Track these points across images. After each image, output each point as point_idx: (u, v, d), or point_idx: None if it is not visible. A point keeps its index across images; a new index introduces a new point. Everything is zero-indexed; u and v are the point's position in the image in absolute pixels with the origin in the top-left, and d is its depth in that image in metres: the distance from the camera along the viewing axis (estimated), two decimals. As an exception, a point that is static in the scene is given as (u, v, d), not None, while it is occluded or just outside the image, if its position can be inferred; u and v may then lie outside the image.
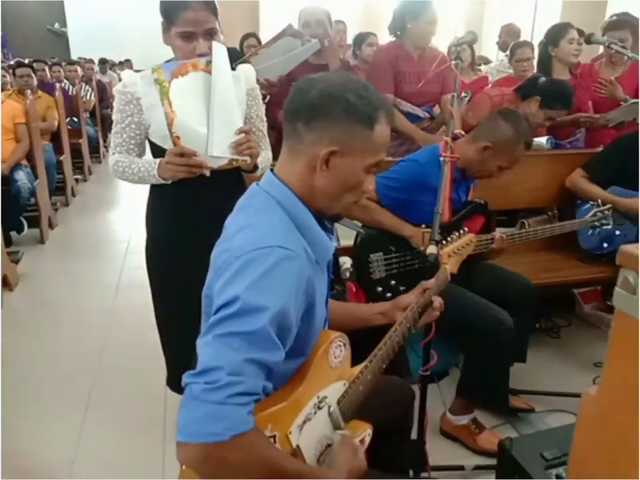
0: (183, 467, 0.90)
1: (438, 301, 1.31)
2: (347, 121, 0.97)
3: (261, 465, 0.86)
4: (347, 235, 2.47)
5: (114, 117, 1.73)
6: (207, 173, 1.63)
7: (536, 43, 3.76)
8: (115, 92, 1.71)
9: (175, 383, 1.92)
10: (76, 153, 5.88)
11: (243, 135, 1.62)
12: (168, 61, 1.65)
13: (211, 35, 1.62)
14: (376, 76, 2.75)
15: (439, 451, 1.98)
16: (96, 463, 1.99)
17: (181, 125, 1.57)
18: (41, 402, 2.31)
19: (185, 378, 0.86)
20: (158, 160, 1.66)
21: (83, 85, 6.77)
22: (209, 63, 1.60)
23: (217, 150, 1.59)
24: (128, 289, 3.47)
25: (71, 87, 6.15)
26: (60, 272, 3.75)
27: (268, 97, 2.43)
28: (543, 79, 2.73)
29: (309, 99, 0.98)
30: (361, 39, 3.82)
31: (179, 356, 1.66)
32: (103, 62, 9.57)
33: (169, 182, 1.65)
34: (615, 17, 3.09)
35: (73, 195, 5.50)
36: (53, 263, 3.93)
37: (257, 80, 1.73)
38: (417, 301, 1.27)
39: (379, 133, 1.00)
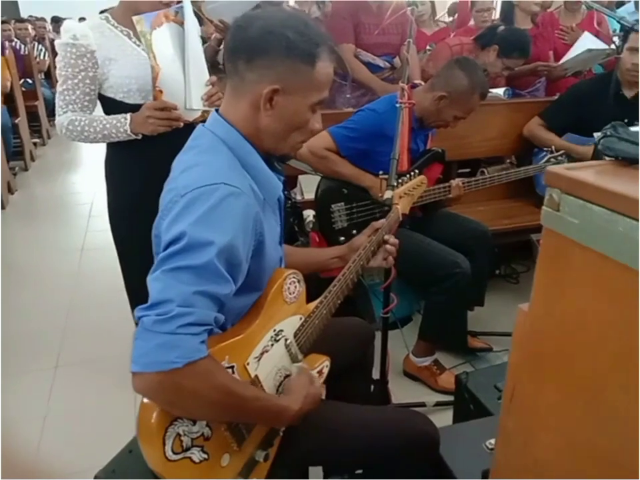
0: (144, 399, 0.93)
1: (391, 240, 1.35)
2: (287, 58, 0.97)
3: (216, 391, 0.89)
4: (310, 189, 2.49)
5: (62, 73, 1.60)
6: (181, 125, 1.59)
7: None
8: (61, 45, 1.57)
9: None
10: (33, 115, 5.68)
11: (211, 86, 1.60)
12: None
13: None
14: (335, 26, 2.72)
15: (402, 391, 2.08)
16: (67, 419, 2.02)
17: (164, 79, 1.53)
18: (9, 362, 2.31)
19: (137, 312, 0.88)
20: (128, 115, 1.58)
21: (36, 44, 6.49)
22: (177, 12, 1.55)
23: (195, 103, 1.58)
24: (93, 251, 3.44)
25: (22, 46, 5.88)
26: (22, 237, 3.68)
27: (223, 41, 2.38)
28: (501, 28, 2.75)
29: (249, 36, 0.98)
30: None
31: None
32: (56, 20, 9.12)
33: (139, 137, 1.59)
34: None
35: (32, 159, 5.36)
36: (14, 228, 3.85)
37: (211, 21, 1.69)
38: (369, 240, 1.31)
39: (321, 70, 1.00)
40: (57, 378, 2.25)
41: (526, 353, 0.82)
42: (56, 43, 1.62)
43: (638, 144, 0.74)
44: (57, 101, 1.64)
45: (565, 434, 0.77)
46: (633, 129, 0.82)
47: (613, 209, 0.64)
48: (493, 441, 1.30)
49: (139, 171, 1.70)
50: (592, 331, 0.71)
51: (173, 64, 1.55)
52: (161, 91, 1.53)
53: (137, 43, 1.63)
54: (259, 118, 1.01)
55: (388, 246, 1.34)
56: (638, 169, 0.73)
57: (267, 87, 0.97)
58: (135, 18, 1.50)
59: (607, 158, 0.83)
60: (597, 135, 1.88)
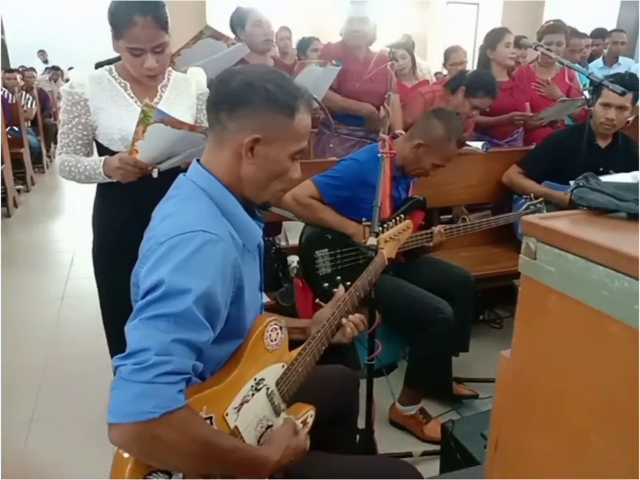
0: (119, 451, 0.90)
1: (352, 318, 1.30)
2: (267, 109, 1.01)
3: (194, 443, 0.87)
4: (295, 235, 2.51)
5: (60, 117, 1.74)
6: (155, 175, 1.64)
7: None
8: (62, 92, 1.70)
9: None
10: (17, 163, 5.69)
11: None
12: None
13: (161, 49, 1.62)
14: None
15: (387, 440, 2.03)
16: (42, 475, 1.93)
17: (144, 147, 1.56)
18: (-19, 415, 2.24)
19: (114, 361, 0.87)
20: (103, 158, 1.66)
21: (24, 93, 6.57)
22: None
23: (168, 166, 1.63)
24: (73, 299, 3.39)
25: (10, 95, 5.96)
26: (2, 284, 3.61)
27: None
28: (469, 72, 2.87)
29: (230, 88, 1.02)
30: (305, 44, 3.89)
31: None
32: (56, 68, 9.36)
33: (114, 180, 1.65)
34: (551, 22, 3.28)
35: (15, 205, 5.32)
36: (-7, 275, 3.79)
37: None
38: (333, 313, 1.27)
39: (300, 122, 1.04)
40: (31, 432, 2.17)
41: (509, 401, 0.82)
42: (59, 89, 1.74)
43: (608, 194, 0.77)
44: (57, 141, 1.77)
45: (552, 483, 0.76)
46: (603, 178, 0.86)
47: (587, 257, 0.65)
48: (480, 492, 1.27)
49: (122, 214, 1.74)
50: (573, 377, 0.71)
51: (160, 151, 1.60)
52: (136, 151, 1.57)
53: (131, 95, 1.72)
54: (240, 166, 1.04)
55: (350, 319, 1.30)
56: (610, 219, 0.75)
57: (248, 136, 1.00)
58: (148, 103, 1.54)
59: (580, 207, 0.86)
60: (573, 182, 1.94)
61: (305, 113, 1.05)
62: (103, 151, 1.73)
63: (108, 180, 1.66)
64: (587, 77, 2.08)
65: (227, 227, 1.02)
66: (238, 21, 2.73)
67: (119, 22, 1.57)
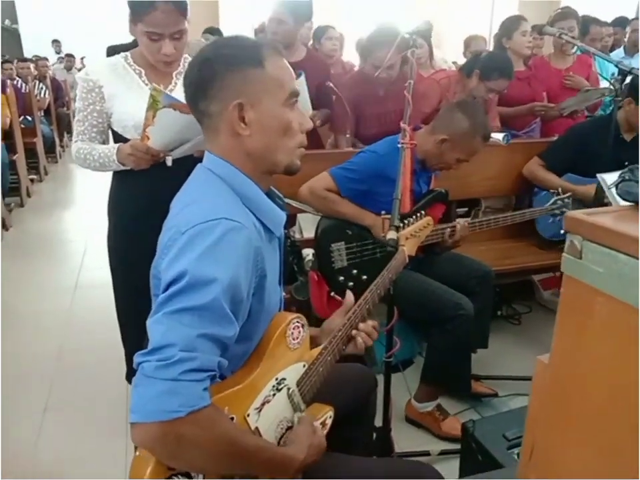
0: (137, 452, 0.87)
1: (364, 326, 1.24)
2: (233, 72, 0.96)
3: (219, 442, 0.84)
4: (310, 228, 2.46)
5: (76, 104, 1.73)
6: (169, 163, 1.61)
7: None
8: (78, 79, 1.70)
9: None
10: (30, 152, 5.70)
11: None
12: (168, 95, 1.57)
13: (179, 36, 1.60)
14: (337, 118, 2.73)
15: (404, 438, 2.00)
16: (55, 466, 1.93)
17: (155, 133, 1.53)
18: (-4, 405, 2.24)
19: (137, 357, 0.83)
20: (117, 145, 1.64)
21: (37, 82, 6.58)
22: None
23: (181, 153, 1.59)
24: (86, 289, 3.38)
25: (23, 84, 5.95)
26: (16, 274, 3.62)
27: None
28: (484, 54, 2.79)
29: (193, 75, 0.99)
30: (320, 33, 3.81)
31: (141, 347, 1.64)
32: (68, 55, 9.35)
33: (128, 167, 1.63)
34: (559, 10, 3.23)
35: (28, 195, 5.34)
36: (8, 264, 3.79)
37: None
38: (349, 318, 1.20)
39: (273, 66, 0.99)
40: (45, 422, 2.16)
41: (547, 408, 0.77)
42: (75, 76, 1.76)
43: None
44: (73, 128, 1.77)
45: (592, 497, 0.72)
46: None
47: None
48: (505, 496, 1.23)
49: (138, 203, 1.73)
50: (619, 385, 0.66)
51: (171, 136, 1.56)
52: (148, 137, 1.54)
53: (146, 82, 1.70)
54: (242, 143, 0.99)
55: (362, 327, 1.23)
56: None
57: (231, 107, 0.96)
58: (156, 87, 1.51)
59: (625, 202, 0.81)
60: (599, 176, 1.88)
61: (274, 55, 1.00)
62: (118, 138, 1.71)
63: (122, 168, 1.64)
64: (616, 65, 2.00)
65: (249, 216, 0.98)
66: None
67: (139, 5, 1.54)
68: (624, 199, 0.77)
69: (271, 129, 0.99)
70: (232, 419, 0.92)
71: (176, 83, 1.73)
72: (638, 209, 0.74)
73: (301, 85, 1.92)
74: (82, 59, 10.85)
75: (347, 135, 2.80)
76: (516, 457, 1.48)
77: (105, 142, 1.75)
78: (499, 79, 2.62)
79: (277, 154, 1.02)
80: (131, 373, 1.92)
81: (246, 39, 1.02)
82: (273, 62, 0.99)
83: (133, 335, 1.87)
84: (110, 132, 1.76)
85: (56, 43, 10.36)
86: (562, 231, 2.46)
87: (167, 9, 1.52)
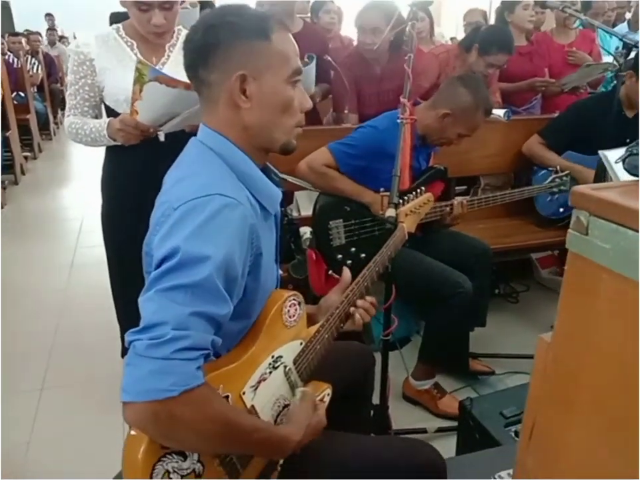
0: (131, 431, 0.85)
1: (362, 302, 1.22)
2: (239, 42, 0.93)
3: (213, 421, 0.83)
4: (307, 206, 2.44)
5: (68, 78, 1.70)
6: (162, 138, 1.58)
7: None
8: (69, 51, 1.68)
9: None
10: (24, 129, 5.62)
11: None
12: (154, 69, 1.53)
13: (169, 5, 1.55)
14: (341, 92, 2.65)
15: (401, 415, 2.00)
16: (52, 444, 1.93)
17: (143, 108, 1.50)
18: (-7, 382, 2.23)
19: (128, 336, 0.81)
20: (108, 119, 1.61)
21: (29, 57, 6.46)
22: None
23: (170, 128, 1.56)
24: (82, 267, 3.36)
25: (15, 59, 5.84)
26: (11, 252, 3.59)
27: None
28: (483, 28, 2.73)
29: (197, 41, 0.95)
30: (317, 6, 3.73)
31: (136, 325, 1.63)
32: (50, 29, 9.08)
33: (119, 143, 1.61)
34: None
35: (23, 173, 5.29)
36: (3, 242, 3.77)
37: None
38: (346, 296, 1.19)
39: (279, 40, 0.96)
40: (42, 400, 2.15)
41: (548, 388, 0.76)
42: (67, 49, 1.69)
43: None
44: (66, 102, 1.74)
45: (592, 476, 0.71)
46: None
47: (651, 233, 0.58)
48: (503, 473, 1.23)
49: (131, 178, 1.71)
50: (625, 364, 0.65)
51: (158, 110, 1.52)
52: (136, 112, 1.50)
53: (138, 54, 1.66)
54: (241, 116, 0.96)
55: (360, 303, 1.21)
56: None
57: (233, 78, 0.93)
58: (142, 60, 1.47)
59: (629, 177, 0.78)
60: (601, 152, 1.84)
61: (281, 30, 0.97)
62: (111, 112, 1.68)
63: (113, 143, 1.62)
64: (620, 39, 1.96)
65: (244, 191, 0.96)
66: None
67: None
68: (632, 174, 0.75)
69: (271, 105, 0.97)
70: (227, 397, 0.91)
71: (169, 56, 1.69)
72: (645, 183, 0.72)
73: (310, 69, 1.88)
74: (74, 37, 10.58)
75: (346, 112, 2.75)
76: (513, 434, 1.48)
77: (97, 116, 1.72)
78: (499, 54, 2.57)
79: (274, 131, 0.99)
80: (125, 350, 1.92)
81: (253, 9, 0.98)
82: (280, 36, 0.96)
83: (128, 312, 1.86)
84: (103, 106, 1.72)
85: (49, 16, 10.10)
86: (561, 209, 2.43)
87: None
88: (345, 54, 2.84)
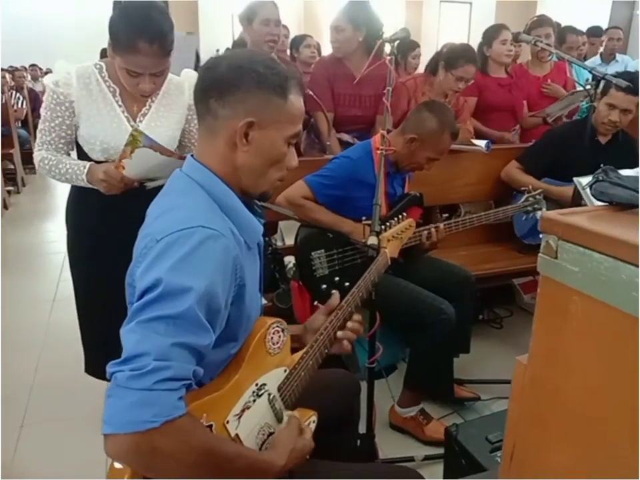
0: (114, 464, 0.85)
1: (352, 322, 1.23)
2: (259, 91, 0.97)
3: (196, 452, 0.82)
4: (291, 235, 2.45)
5: (42, 112, 1.64)
6: (149, 186, 1.58)
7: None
8: (47, 87, 1.62)
9: (93, 367, 1.94)
10: (8, 163, 5.61)
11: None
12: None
13: (160, 74, 1.55)
14: (315, 92, 2.68)
15: (388, 444, 1.99)
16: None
17: (130, 166, 1.50)
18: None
19: (110, 367, 0.81)
20: (87, 164, 1.60)
21: (14, 92, 6.49)
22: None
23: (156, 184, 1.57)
24: (65, 301, 3.31)
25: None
26: (-8, 287, 3.55)
27: None
28: (445, 48, 2.84)
29: (218, 73, 0.98)
30: (298, 41, 3.83)
31: (100, 339, 1.70)
32: (33, 65, 9.15)
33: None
34: (535, 17, 3.32)
35: (5, 207, 5.25)
36: (-17, 277, 3.72)
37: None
38: (330, 321, 1.19)
39: (293, 102, 1.00)
40: (21, 438, 2.10)
41: (526, 409, 0.77)
42: (44, 80, 1.68)
43: (632, 189, 0.73)
44: (37, 135, 1.70)
45: (572, 496, 0.72)
46: (623, 172, 0.81)
47: (615, 255, 0.61)
48: (488, 499, 1.23)
49: (95, 214, 1.70)
50: (598, 386, 0.67)
51: (146, 172, 1.55)
52: (123, 167, 1.51)
53: (119, 103, 1.63)
54: (235, 156, 0.99)
55: (349, 325, 1.22)
56: (636, 214, 0.71)
57: (241, 121, 0.96)
58: (137, 128, 1.48)
59: (599, 202, 0.82)
60: (576, 179, 1.90)
61: (297, 94, 1.01)
62: (82, 154, 1.67)
63: (89, 186, 1.61)
64: (590, 72, 2.04)
65: (227, 223, 0.98)
66: (247, 15, 2.54)
67: (121, 44, 1.46)
68: (598, 199, 0.78)
69: (265, 155, 1.01)
70: (210, 426, 0.91)
71: (150, 106, 1.67)
72: (611, 208, 0.75)
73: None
74: (45, 73, 10.57)
75: (328, 143, 2.80)
76: (499, 459, 1.48)
77: (70, 152, 1.70)
78: (465, 65, 2.64)
79: (260, 179, 1.03)
80: (89, 363, 1.97)
81: (279, 64, 1.02)
82: (294, 99, 1.01)
83: (93, 349, 1.94)
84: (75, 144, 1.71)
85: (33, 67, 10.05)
86: (541, 235, 2.47)
87: (150, 53, 1.45)
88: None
